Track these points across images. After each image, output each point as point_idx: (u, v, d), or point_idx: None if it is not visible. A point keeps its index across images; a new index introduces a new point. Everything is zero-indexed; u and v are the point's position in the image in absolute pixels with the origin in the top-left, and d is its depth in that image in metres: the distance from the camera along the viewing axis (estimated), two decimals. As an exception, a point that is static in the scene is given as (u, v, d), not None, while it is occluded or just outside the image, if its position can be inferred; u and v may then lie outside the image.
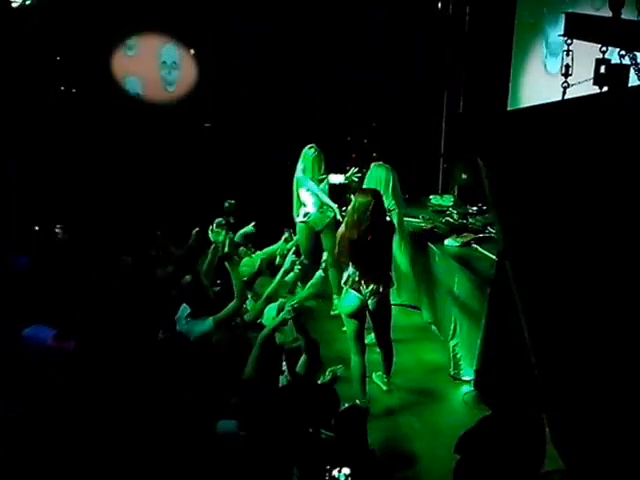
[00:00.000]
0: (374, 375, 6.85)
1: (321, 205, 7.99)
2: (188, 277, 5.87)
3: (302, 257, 6.89)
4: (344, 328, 6.87)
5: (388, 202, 7.20)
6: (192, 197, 8.86)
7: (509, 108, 8.40)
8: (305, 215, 8.05)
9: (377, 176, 7.40)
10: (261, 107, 9.60)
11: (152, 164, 9.22)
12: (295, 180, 8.01)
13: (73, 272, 6.28)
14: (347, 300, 6.31)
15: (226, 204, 8.12)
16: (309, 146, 7.96)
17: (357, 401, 6.21)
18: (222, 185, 9.18)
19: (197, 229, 7.00)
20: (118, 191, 8.85)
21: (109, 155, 9.10)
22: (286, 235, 7.11)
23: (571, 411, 3.95)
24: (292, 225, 7.96)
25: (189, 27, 9.44)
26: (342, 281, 6.36)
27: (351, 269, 6.24)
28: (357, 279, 6.21)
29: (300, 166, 7.97)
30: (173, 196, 8.96)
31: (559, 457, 4.40)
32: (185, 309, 5.85)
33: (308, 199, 8.01)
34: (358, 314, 6.31)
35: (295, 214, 8.10)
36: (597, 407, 3.63)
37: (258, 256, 6.89)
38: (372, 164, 7.63)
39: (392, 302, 6.66)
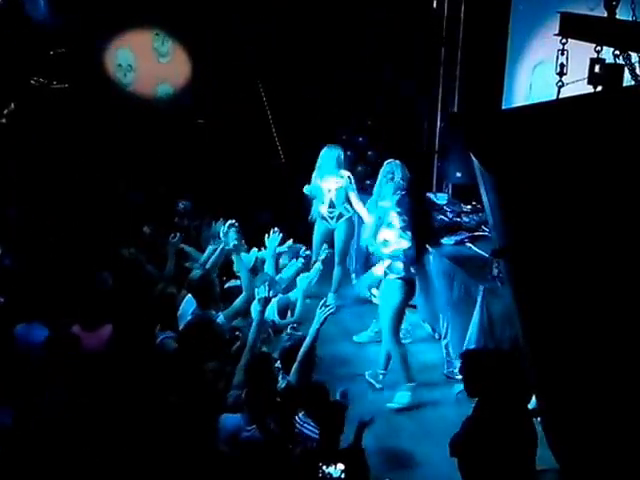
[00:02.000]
0: (367, 374, 6.85)
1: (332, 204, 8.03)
2: (197, 272, 5.93)
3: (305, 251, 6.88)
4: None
5: None
6: (187, 194, 8.85)
7: (504, 107, 8.40)
8: (323, 213, 8.07)
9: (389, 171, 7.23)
10: (259, 105, 9.60)
11: (148, 161, 9.22)
12: (314, 178, 8.04)
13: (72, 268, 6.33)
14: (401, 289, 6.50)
15: (181, 205, 8.12)
16: (328, 145, 8.00)
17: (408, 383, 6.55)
18: (217, 183, 9.20)
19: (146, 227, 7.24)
20: (114, 189, 8.82)
21: (106, 153, 9.09)
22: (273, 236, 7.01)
23: (566, 412, 3.95)
24: (288, 223, 7.97)
25: (188, 26, 9.45)
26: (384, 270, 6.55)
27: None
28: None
29: (318, 164, 8.01)
30: (167, 192, 8.95)
31: (553, 457, 4.41)
32: (189, 304, 5.88)
33: (327, 196, 8.01)
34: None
35: (315, 212, 8.13)
36: (593, 408, 3.63)
37: (254, 254, 6.89)
38: (385, 162, 7.51)
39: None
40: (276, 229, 6.88)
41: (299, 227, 8.26)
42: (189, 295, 5.95)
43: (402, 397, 6.55)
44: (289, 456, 4.52)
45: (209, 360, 5.01)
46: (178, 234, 6.57)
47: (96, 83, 9.47)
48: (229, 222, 6.41)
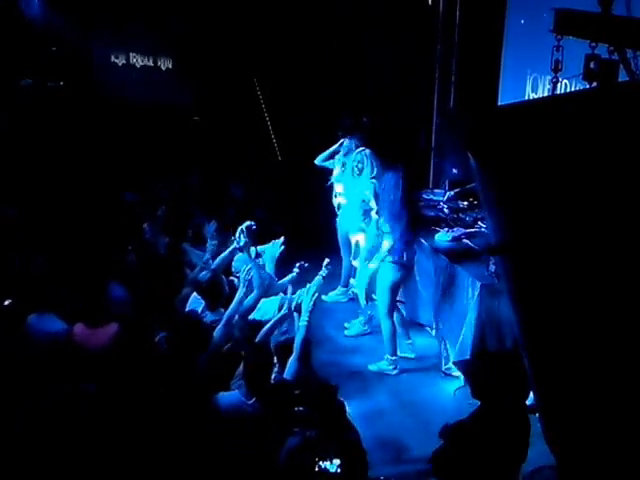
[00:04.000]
0: (379, 364, 7.06)
1: None
2: (206, 273, 5.98)
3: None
4: (347, 325, 7.55)
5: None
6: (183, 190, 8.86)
7: (500, 103, 8.41)
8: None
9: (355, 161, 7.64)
10: (255, 103, 9.62)
11: (145, 159, 9.22)
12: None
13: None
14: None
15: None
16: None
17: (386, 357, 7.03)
18: (213, 180, 9.21)
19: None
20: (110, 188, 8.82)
21: (102, 152, 9.09)
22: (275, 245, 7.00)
23: (564, 408, 3.96)
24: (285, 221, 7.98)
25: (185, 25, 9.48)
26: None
27: None
28: None
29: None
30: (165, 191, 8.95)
31: (551, 453, 4.41)
32: (195, 303, 5.93)
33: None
34: None
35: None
36: (591, 405, 3.64)
37: (252, 252, 6.88)
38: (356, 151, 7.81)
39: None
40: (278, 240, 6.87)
41: (296, 224, 8.29)
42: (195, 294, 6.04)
43: (384, 364, 7.05)
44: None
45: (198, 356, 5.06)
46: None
47: (90, 81, 9.48)
48: (246, 224, 6.46)
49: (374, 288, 7.32)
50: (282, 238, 6.86)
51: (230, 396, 4.79)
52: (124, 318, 5.60)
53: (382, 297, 7.06)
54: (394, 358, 7.07)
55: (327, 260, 6.53)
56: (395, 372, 7.04)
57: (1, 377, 4.88)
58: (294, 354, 5.11)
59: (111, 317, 5.55)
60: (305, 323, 5.22)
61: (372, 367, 7.08)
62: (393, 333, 7.08)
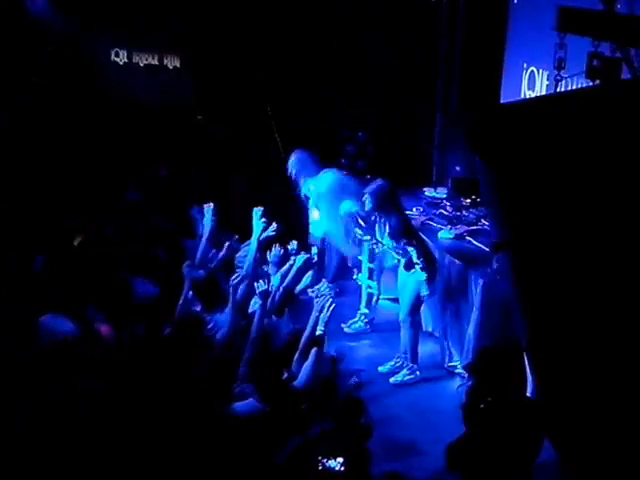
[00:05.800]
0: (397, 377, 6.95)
1: None
2: (201, 272, 5.89)
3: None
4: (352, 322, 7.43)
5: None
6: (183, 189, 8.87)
7: (503, 100, 8.41)
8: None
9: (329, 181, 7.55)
10: (258, 100, 9.63)
11: (147, 158, 9.24)
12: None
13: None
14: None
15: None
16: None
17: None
18: (214, 177, 9.23)
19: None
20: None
21: (103, 151, 9.10)
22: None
23: (565, 404, 3.97)
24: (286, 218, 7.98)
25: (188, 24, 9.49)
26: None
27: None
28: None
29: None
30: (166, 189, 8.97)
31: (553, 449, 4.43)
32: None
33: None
34: None
35: None
36: (592, 400, 3.66)
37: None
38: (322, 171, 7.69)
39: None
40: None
41: (297, 222, 8.30)
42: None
43: (403, 375, 6.88)
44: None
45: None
46: None
47: (92, 79, 9.48)
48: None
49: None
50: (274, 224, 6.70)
51: (246, 405, 4.70)
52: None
53: (408, 301, 6.89)
54: (415, 366, 6.91)
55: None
56: (415, 379, 6.88)
57: (15, 378, 4.88)
58: (308, 361, 5.08)
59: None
60: (321, 333, 5.18)
61: (392, 379, 6.92)
62: (416, 342, 6.93)
